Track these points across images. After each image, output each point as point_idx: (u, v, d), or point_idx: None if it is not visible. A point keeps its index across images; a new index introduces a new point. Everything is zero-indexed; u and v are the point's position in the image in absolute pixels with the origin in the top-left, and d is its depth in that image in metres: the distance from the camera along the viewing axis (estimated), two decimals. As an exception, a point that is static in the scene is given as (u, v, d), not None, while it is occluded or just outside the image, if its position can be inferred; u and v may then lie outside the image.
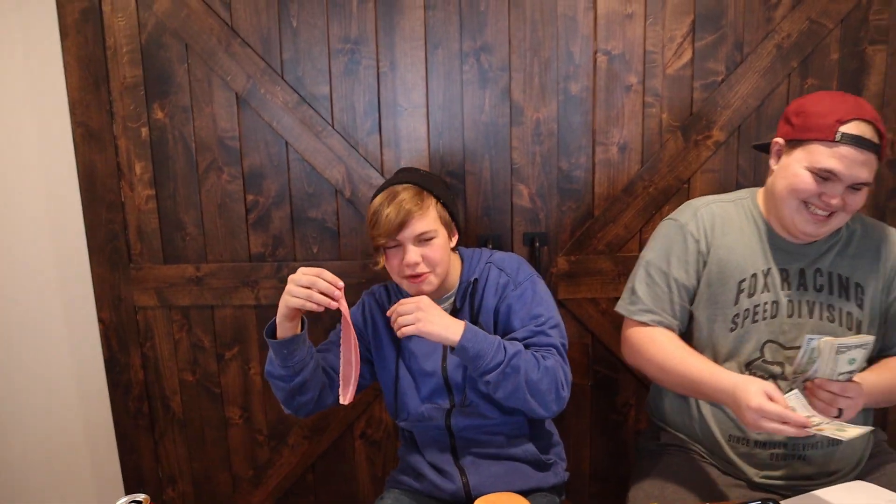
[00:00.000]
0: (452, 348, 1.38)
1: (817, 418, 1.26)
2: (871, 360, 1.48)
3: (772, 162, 1.49)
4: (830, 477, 1.48)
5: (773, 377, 1.45)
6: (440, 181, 1.56)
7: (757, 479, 1.47)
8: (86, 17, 1.95)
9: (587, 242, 1.99)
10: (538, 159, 1.97)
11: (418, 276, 1.45)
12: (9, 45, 2.02)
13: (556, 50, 1.91)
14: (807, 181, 1.39)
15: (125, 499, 1.20)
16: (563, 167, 1.97)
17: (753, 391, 1.26)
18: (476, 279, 1.54)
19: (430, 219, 1.44)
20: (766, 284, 1.48)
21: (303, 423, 2.16)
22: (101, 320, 2.13)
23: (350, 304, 1.44)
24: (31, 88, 2.05)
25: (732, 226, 1.52)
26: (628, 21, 1.90)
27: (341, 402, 1.37)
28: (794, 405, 1.27)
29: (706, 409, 1.53)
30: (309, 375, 1.43)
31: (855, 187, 1.38)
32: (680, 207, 1.60)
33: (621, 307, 1.59)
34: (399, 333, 1.39)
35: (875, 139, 1.37)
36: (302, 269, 1.33)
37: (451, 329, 1.37)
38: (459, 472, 1.51)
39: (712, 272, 1.51)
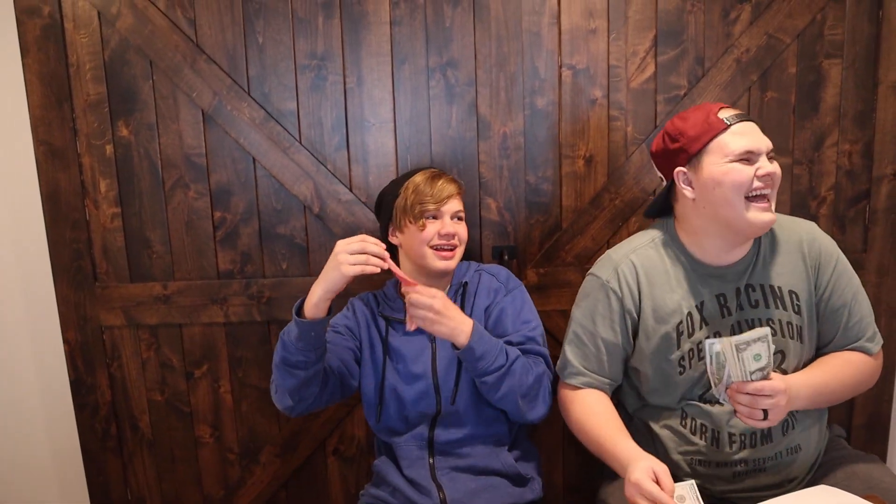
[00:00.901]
0: (457, 347, 1.43)
1: None
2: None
3: (686, 192, 1.48)
4: (791, 483, 1.52)
5: None
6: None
7: (718, 494, 1.51)
8: (47, 33, 1.94)
9: (556, 255, 2.03)
10: (506, 173, 2.00)
11: (451, 249, 1.58)
12: (-32, 63, 2.01)
13: (521, 65, 1.95)
14: (740, 169, 1.41)
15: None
16: (531, 180, 2.00)
17: (640, 467, 1.28)
18: (467, 282, 1.62)
19: (462, 200, 1.66)
20: (702, 319, 1.49)
21: (275, 440, 2.16)
22: (66, 341, 2.11)
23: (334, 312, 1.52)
24: (-9, 106, 2.03)
25: (657, 271, 1.52)
26: (592, 36, 1.94)
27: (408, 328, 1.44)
28: (684, 493, 1.29)
29: (664, 434, 1.55)
30: (320, 370, 1.46)
31: (769, 156, 1.44)
32: (600, 260, 1.60)
33: (558, 367, 1.61)
34: (409, 325, 1.43)
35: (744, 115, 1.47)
36: (344, 241, 1.39)
37: (460, 330, 1.42)
38: (437, 487, 1.52)
39: (647, 326, 1.51)
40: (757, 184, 1.41)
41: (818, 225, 2.03)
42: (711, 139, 1.43)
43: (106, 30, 1.95)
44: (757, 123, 1.47)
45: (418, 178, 1.64)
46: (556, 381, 1.62)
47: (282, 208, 2.04)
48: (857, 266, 2.05)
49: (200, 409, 2.16)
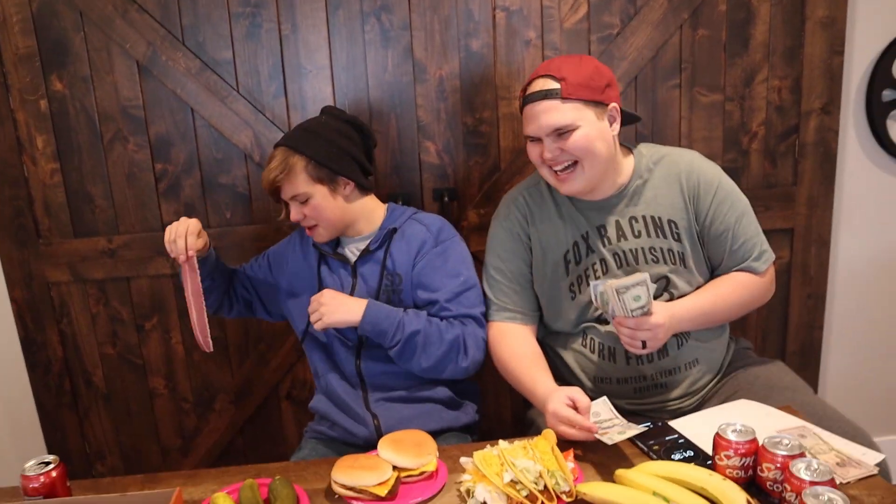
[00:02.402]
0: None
1: (609, 423, 1.37)
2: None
3: None
4: (699, 394, 1.65)
5: None
6: (325, 133, 1.62)
7: (628, 408, 1.62)
8: (-30, -14, 1.93)
9: (496, 195, 2.09)
10: (443, 116, 2.05)
11: (310, 228, 1.63)
12: None
13: (455, 7, 1.98)
14: (531, 148, 1.56)
15: (33, 461, 1.26)
16: (469, 122, 2.06)
17: (554, 398, 1.40)
18: (396, 228, 1.66)
19: (298, 182, 1.58)
20: (588, 248, 1.60)
21: (228, 388, 2.23)
22: (13, 299, 2.14)
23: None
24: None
25: (544, 207, 1.65)
26: (524, -23, 1.98)
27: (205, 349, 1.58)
28: (599, 409, 1.40)
29: (569, 358, 1.68)
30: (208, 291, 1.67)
31: (560, 133, 1.49)
32: (500, 203, 1.73)
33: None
34: (316, 329, 1.57)
35: (550, 86, 1.49)
36: (175, 227, 1.54)
37: (353, 312, 1.54)
38: (371, 415, 1.61)
39: (538, 258, 1.65)
40: (549, 161, 1.52)
41: (750, 159, 2.13)
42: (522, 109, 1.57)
43: (31, -19, 1.94)
44: (553, 101, 1.49)
45: None
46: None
47: (223, 158, 2.07)
48: (788, 199, 2.17)
49: (153, 360, 2.22)
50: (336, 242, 1.71)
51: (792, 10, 2.05)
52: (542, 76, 1.51)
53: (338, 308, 1.53)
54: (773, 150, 2.15)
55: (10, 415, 2.30)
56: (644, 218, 1.60)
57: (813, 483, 1.05)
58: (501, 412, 2.30)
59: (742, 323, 2.26)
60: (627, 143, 1.67)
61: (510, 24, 2.01)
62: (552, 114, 1.48)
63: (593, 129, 1.49)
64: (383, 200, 2.02)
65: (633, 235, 1.59)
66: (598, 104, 1.49)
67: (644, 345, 1.44)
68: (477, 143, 2.08)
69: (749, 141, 2.14)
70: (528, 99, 1.52)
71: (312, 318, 1.55)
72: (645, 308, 1.41)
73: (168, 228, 1.55)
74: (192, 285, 1.53)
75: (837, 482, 1.19)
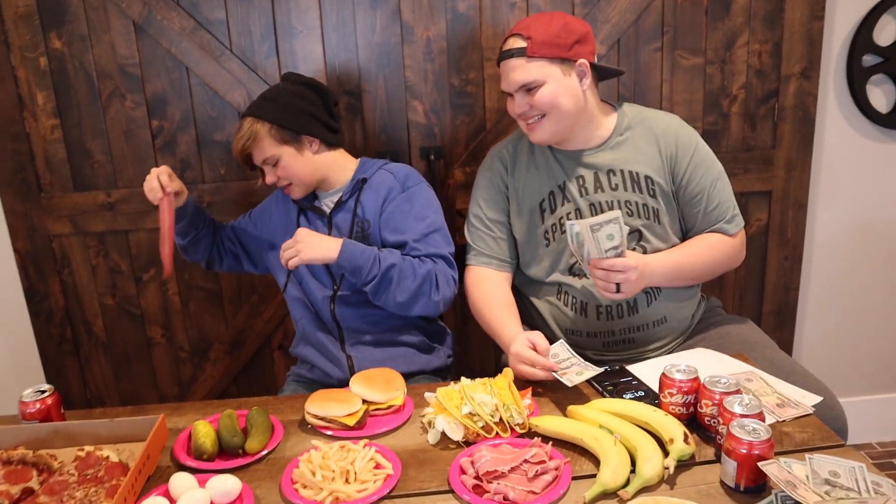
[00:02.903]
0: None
1: (567, 363, 1.47)
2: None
3: None
4: (666, 346, 1.74)
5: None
6: (284, 97, 1.73)
7: (595, 359, 1.71)
8: (-30, -55, 2.01)
9: (481, 154, 2.15)
10: (431, 76, 2.12)
11: (285, 188, 1.76)
12: None
13: (441, -31, 2.05)
14: (508, 103, 1.68)
15: (31, 389, 1.37)
16: (455, 83, 2.13)
17: (517, 341, 1.50)
18: (365, 178, 1.76)
19: (265, 146, 1.70)
20: (564, 197, 1.69)
21: (223, 338, 2.34)
22: (16, 250, 2.25)
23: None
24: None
25: (525, 158, 1.75)
26: (509, -61, 2.04)
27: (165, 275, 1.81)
28: (558, 351, 1.50)
29: (543, 308, 1.77)
30: (196, 242, 1.87)
31: (528, 89, 1.59)
32: (486, 155, 1.84)
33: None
34: (289, 267, 1.63)
35: (518, 45, 1.58)
36: (148, 176, 1.70)
37: (329, 250, 1.62)
38: (346, 357, 1.72)
39: (514, 205, 1.74)
40: (519, 115, 1.65)
41: (730, 122, 2.20)
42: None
43: (30, -60, 2.02)
44: (519, 59, 1.58)
45: None
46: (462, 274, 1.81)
47: (217, 115, 2.15)
48: (766, 162, 2.24)
49: (151, 311, 2.33)
50: (313, 196, 1.81)
51: (774, -25, 2.10)
52: (513, 35, 1.59)
53: (315, 246, 1.62)
54: (752, 114, 2.21)
55: (14, 361, 2.42)
56: (622, 172, 1.67)
57: (743, 416, 1.14)
58: (485, 361, 2.40)
59: (719, 282, 2.34)
60: (612, 101, 1.74)
61: (495, -13, 2.07)
62: (518, 71, 1.57)
63: (559, 85, 1.56)
64: (372, 157, 2.12)
65: (609, 188, 1.67)
66: (565, 61, 1.56)
67: (618, 288, 1.50)
68: (463, 103, 2.15)
69: (729, 104, 2.20)
70: (501, 57, 1.61)
71: (287, 255, 1.62)
72: (618, 249, 1.47)
73: (145, 182, 1.70)
74: (169, 220, 1.70)
75: (775, 420, 1.29)
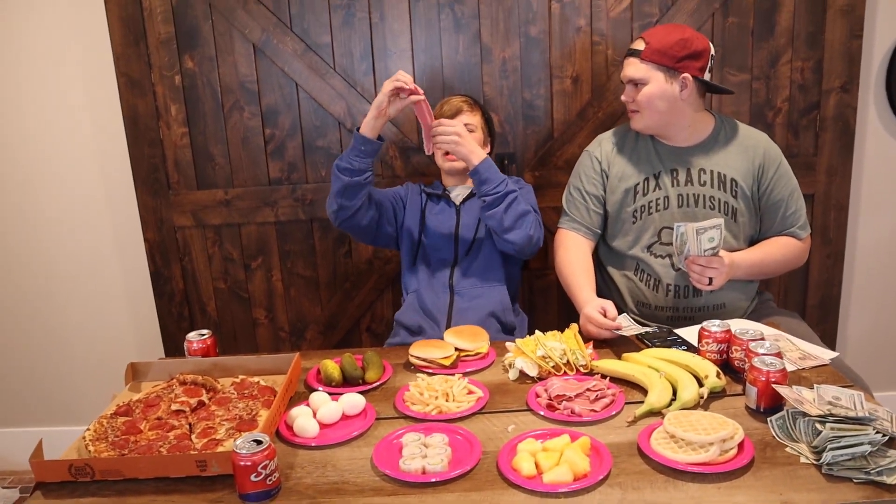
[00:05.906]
0: (468, 170, 2.05)
1: (627, 331, 1.80)
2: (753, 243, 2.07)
3: None
4: None
5: (669, 255, 2.02)
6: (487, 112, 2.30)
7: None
8: (126, -17, 2.49)
9: (548, 160, 2.55)
10: (505, 91, 2.51)
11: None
12: (60, 10, 2.57)
13: (517, -1, 2.45)
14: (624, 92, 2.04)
15: (194, 332, 1.79)
16: (527, 97, 2.52)
17: (591, 305, 1.84)
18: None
19: (475, 119, 2.21)
20: (657, 185, 2.03)
21: (318, 320, 2.75)
22: (146, 240, 2.71)
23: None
24: (78, 45, 2.60)
25: (626, 146, 2.11)
26: (576, -27, 2.42)
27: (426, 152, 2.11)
28: (622, 321, 1.82)
29: (620, 281, 2.11)
30: (363, 186, 2.05)
31: (635, 84, 1.96)
32: (594, 139, 2.21)
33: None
34: (435, 143, 2.03)
35: (638, 46, 1.96)
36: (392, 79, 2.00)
37: (475, 155, 2.03)
38: (447, 318, 2.10)
39: (612, 184, 2.09)
40: (624, 101, 2.04)
41: (774, 132, 2.54)
42: None
43: (173, -22, 2.50)
44: (634, 59, 1.98)
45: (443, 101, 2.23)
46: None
47: (320, 125, 2.58)
48: (809, 168, 2.55)
49: (257, 295, 2.76)
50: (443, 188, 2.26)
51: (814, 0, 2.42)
52: (641, 38, 1.98)
53: (468, 146, 2.01)
54: (795, 124, 2.53)
55: (137, 335, 2.88)
56: (712, 172, 2.02)
57: (764, 354, 1.47)
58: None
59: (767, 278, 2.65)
60: (714, 112, 2.12)
61: (563, 14, 2.45)
62: (630, 68, 1.97)
63: (660, 88, 1.94)
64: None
65: (698, 183, 2.02)
66: (671, 70, 1.92)
67: (710, 281, 1.84)
68: (533, 115, 2.53)
69: (774, 116, 2.52)
70: (626, 54, 2.01)
71: (442, 137, 2.00)
72: (715, 249, 1.82)
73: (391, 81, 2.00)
74: (429, 117, 2.03)
75: (796, 368, 1.61)
